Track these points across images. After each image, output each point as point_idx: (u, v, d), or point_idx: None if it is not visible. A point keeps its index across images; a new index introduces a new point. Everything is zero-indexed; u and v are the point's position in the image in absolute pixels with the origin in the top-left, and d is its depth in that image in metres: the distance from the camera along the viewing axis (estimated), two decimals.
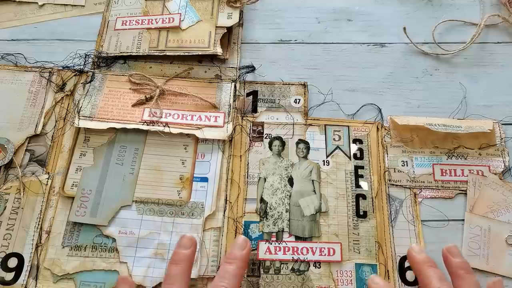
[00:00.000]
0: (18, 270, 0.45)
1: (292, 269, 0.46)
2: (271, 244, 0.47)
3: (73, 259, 0.46)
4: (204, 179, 0.50)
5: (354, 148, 0.52)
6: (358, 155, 0.52)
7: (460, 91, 0.56)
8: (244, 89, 0.56)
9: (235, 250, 0.42)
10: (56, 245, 0.46)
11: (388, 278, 0.46)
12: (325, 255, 0.46)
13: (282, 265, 0.46)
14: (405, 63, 0.59)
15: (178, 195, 0.49)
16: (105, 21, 0.61)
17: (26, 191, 0.49)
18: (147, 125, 0.52)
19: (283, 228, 0.48)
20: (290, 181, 0.50)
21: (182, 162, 0.51)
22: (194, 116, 0.53)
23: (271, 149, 0.52)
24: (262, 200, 0.49)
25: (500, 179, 0.50)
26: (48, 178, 0.50)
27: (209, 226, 0.48)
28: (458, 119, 0.54)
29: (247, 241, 0.43)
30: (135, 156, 0.51)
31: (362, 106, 0.55)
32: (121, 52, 0.57)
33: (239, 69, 0.57)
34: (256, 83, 0.56)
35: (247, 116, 0.54)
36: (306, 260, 0.46)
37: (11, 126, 0.52)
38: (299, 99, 0.55)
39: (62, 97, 0.55)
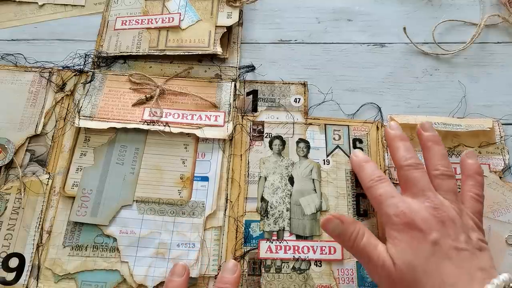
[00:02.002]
0: (19, 270, 0.45)
1: (293, 268, 0.46)
2: (272, 243, 0.47)
3: (74, 259, 0.46)
4: (205, 179, 0.50)
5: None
6: None
7: (460, 91, 0.56)
8: (244, 88, 0.56)
9: (226, 274, 0.42)
10: (57, 245, 0.46)
11: None
12: (326, 253, 0.46)
13: (283, 264, 0.46)
14: (405, 63, 0.59)
15: (179, 194, 0.49)
16: (105, 21, 0.61)
17: (26, 191, 0.49)
18: (148, 124, 0.52)
19: (284, 227, 0.48)
20: (291, 180, 0.50)
21: (183, 162, 0.51)
22: (195, 116, 0.53)
23: (271, 148, 0.52)
24: (262, 199, 0.49)
25: (500, 177, 0.50)
26: (48, 178, 0.50)
27: (210, 225, 0.48)
28: (458, 117, 0.54)
29: (237, 265, 0.43)
30: (135, 156, 0.51)
31: (362, 106, 0.55)
32: (121, 52, 0.57)
33: (239, 68, 0.57)
34: (256, 83, 0.56)
35: (247, 115, 0.54)
36: (307, 259, 0.46)
37: (11, 126, 0.52)
38: (299, 99, 0.55)
39: (62, 97, 0.55)
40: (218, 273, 0.45)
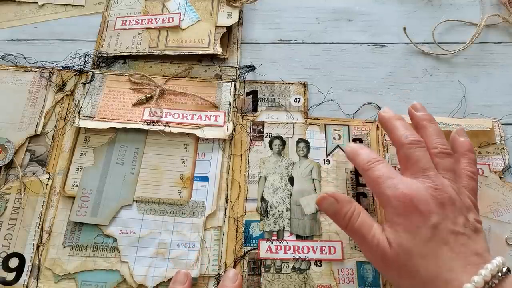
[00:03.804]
0: (19, 270, 0.45)
1: (293, 268, 0.46)
2: (272, 243, 0.47)
3: (74, 259, 0.46)
4: (205, 178, 0.50)
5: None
6: None
7: (460, 91, 0.56)
8: (244, 88, 0.56)
9: (227, 283, 0.42)
10: (57, 245, 0.46)
11: None
12: (326, 253, 0.46)
13: (283, 264, 0.46)
14: (405, 63, 0.59)
15: (179, 194, 0.49)
16: (105, 21, 0.61)
17: (26, 191, 0.49)
18: (148, 124, 0.52)
19: (284, 227, 0.48)
20: (291, 180, 0.50)
21: (183, 162, 0.51)
22: (195, 116, 0.53)
23: (271, 148, 0.52)
24: (262, 199, 0.49)
25: (500, 177, 0.50)
26: (48, 178, 0.50)
27: (210, 225, 0.48)
28: (457, 117, 0.54)
29: (238, 274, 0.43)
30: (135, 156, 0.51)
31: (362, 106, 0.55)
32: (121, 52, 0.57)
33: (239, 68, 0.57)
34: (256, 83, 0.56)
35: (247, 115, 0.54)
36: (307, 258, 0.46)
37: (11, 126, 0.52)
38: (299, 99, 0.55)
39: (62, 97, 0.55)
40: (218, 273, 0.45)
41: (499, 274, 0.35)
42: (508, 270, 0.35)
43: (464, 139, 0.45)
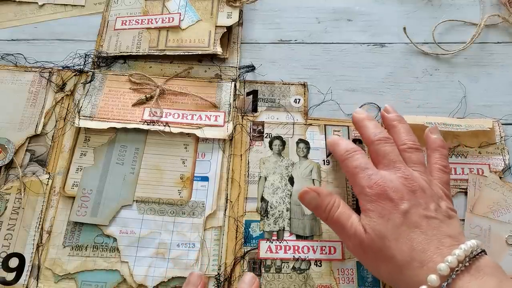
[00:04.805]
0: (19, 270, 0.45)
1: (293, 268, 0.46)
2: (272, 243, 0.47)
3: (74, 259, 0.46)
4: (205, 179, 0.50)
5: None
6: None
7: (460, 91, 0.56)
8: (244, 88, 0.56)
9: (244, 286, 0.43)
10: (57, 245, 0.46)
11: None
12: (326, 253, 0.46)
13: (283, 264, 0.46)
14: (405, 63, 0.59)
15: (179, 194, 0.49)
16: (105, 21, 0.61)
17: (26, 191, 0.49)
18: (148, 124, 0.52)
19: (284, 227, 0.48)
20: (291, 180, 0.50)
21: (183, 162, 0.51)
22: (195, 116, 0.53)
23: (271, 149, 0.52)
24: (262, 199, 0.49)
25: (500, 177, 0.50)
26: (48, 178, 0.50)
27: (210, 225, 0.48)
28: (457, 117, 0.54)
29: (255, 278, 0.44)
30: (135, 156, 0.51)
31: (362, 105, 0.55)
32: (121, 52, 0.57)
33: (239, 68, 0.57)
34: (256, 83, 0.56)
35: (247, 116, 0.54)
36: (307, 258, 0.46)
37: (11, 126, 0.52)
38: (299, 99, 0.55)
39: (62, 97, 0.55)
40: (218, 273, 0.45)
41: (473, 253, 0.36)
42: (483, 251, 0.37)
43: (437, 136, 0.47)
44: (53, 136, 0.52)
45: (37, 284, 0.45)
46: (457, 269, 0.35)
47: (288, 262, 0.46)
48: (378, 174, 0.41)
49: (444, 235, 0.37)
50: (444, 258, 0.35)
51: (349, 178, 0.45)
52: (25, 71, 0.56)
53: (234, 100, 0.55)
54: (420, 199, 0.39)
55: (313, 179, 0.50)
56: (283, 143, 0.52)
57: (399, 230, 0.38)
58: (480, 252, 0.36)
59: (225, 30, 0.59)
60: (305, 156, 0.52)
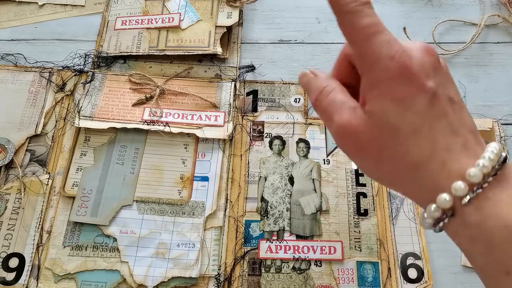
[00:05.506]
0: (19, 270, 0.45)
1: (293, 268, 0.46)
2: (272, 243, 0.47)
3: (74, 259, 0.46)
4: (205, 179, 0.50)
5: None
6: None
7: (460, 91, 0.56)
8: (244, 88, 0.56)
9: None
10: (57, 245, 0.46)
11: (390, 276, 0.46)
12: (326, 253, 0.46)
13: (283, 264, 0.46)
14: None
15: (179, 194, 0.49)
16: (105, 21, 0.61)
17: (26, 191, 0.49)
18: (148, 124, 0.52)
19: (284, 227, 0.48)
20: (291, 180, 0.50)
21: (183, 162, 0.51)
22: (195, 116, 0.53)
23: (271, 148, 0.52)
24: (262, 199, 0.49)
25: None
26: (48, 178, 0.50)
27: (210, 225, 0.48)
28: None
29: None
30: (135, 156, 0.51)
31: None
32: (121, 52, 0.57)
33: (239, 68, 0.57)
34: (256, 83, 0.56)
35: (247, 115, 0.54)
36: (307, 258, 0.46)
37: (12, 126, 0.52)
38: (299, 99, 0.55)
39: (62, 97, 0.55)
40: (218, 273, 0.45)
41: (500, 159, 0.27)
42: (506, 157, 0.28)
43: None
44: (53, 136, 0.52)
45: (37, 284, 0.45)
46: (489, 176, 0.26)
47: (288, 262, 0.46)
48: (397, 41, 0.30)
49: (468, 131, 0.28)
50: (475, 161, 0.26)
51: (353, 42, 0.30)
52: (25, 71, 0.56)
53: (234, 100, 0.55)
54: (443, 76, 0.30)
55: (313, 179, 0.50)
56: (283, 143, 0.52)
57: (421, 119, 0.28)
58: (505, 158, 0.27)
59: (225, 30, 0.59)
60: (305, 156, 0.52)
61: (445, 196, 0.26)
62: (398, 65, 0.28)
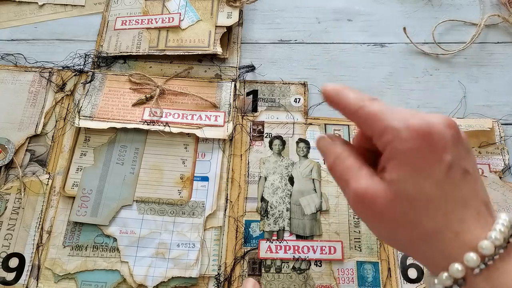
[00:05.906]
0: (19, 270, 0.45)
1: (293, 268, 0.46)
2: (272, 243, 0.47)
3: (74, 259, 0.46)
4: (205, 179, 0.50)
5: None
6: None
7: (460, 91, 0.56)
8: (244, 88, 0.56)
9: None
10: (57, 245, 0.46)
11: (390, 276, 0.46)
12: (326, 253, 0.46)
13: (283, 264, 0.46)
14: (405, 63, 0.59)
15: (179, 194, 0.49)
16: (105, 21, 0.61)
17: (26, 191, 0.49)
18: (148, 124, 0.52)
19: (284, 227, 0.48)
20: (291, 180, 0.50)
21: (183, 162, 0.51)
22: (195, 116, 0.53)
23: (271, 148, 0.52)
24: (262, 199, 0.49)
25: (500, 177, 0.50)
26: (48, 178, 0.50)
27: (210, 225, 0.48)
28: (457, 118, 0.54)
29: (256, 283, 0.41)
30: (135, 156, 0.51)
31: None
32: (121, 52, 0.57)
33: (239, 68, 0.57)
34: (256, 83, 0.56)
35: (247, 115, 0.54)
36: (307, 258, 0.46)
37: (12, 126, 0.52)
38: (299, 99, 0.55)
39: (62, 97, 0.55)
40: (218, 273, 0.45)
41: (511, 231, 0.28)
42: None
43: None
44: (53, 136, 0.52)
45: (37, 284, 0.45)
46: (500, 248, 0.27)
47: (288, 262, 0.46)
48: (413, 113, 0.30)
49: (481, 202, 0.29)
50: (488, 233, 0.27)
51: (364, 128, 0.33)
52: (25, 71, 0.56)
53: (234, 100, 0.55)
54: (461, 149, 0.30)
55: (313, 179, 0.50)
56: (283, 143, 0.52)
57: (437, 189, 0.28)
58: None
59: (225, 30, 0.59)
60: (305, 156, 0.52)
61: (457, 266, 0.27)
62: (417, 134, 0.29)
